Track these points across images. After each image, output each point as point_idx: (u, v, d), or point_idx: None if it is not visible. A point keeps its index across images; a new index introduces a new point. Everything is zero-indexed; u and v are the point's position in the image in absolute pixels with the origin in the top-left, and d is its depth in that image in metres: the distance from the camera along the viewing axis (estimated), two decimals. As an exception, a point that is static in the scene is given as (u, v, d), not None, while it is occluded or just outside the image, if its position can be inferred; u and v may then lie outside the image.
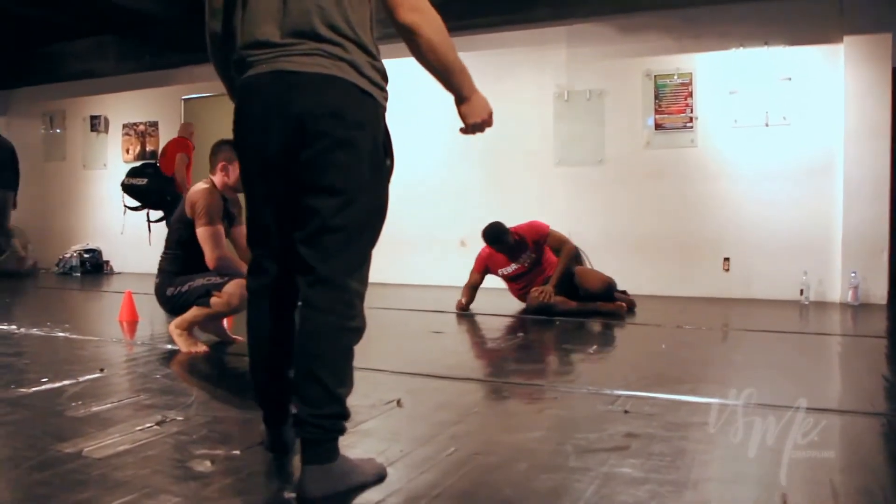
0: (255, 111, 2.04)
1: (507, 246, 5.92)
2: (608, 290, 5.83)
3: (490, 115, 2.21)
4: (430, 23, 2.00)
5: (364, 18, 2.04)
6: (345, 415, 2.03)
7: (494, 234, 5.89)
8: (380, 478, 2.15)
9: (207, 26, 2.22)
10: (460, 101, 2.18)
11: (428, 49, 2.02)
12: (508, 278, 6.17)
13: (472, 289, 6.17)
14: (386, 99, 2.10)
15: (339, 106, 1.96)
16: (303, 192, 2.01)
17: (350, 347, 2.06)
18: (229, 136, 2.30)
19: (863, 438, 2.64)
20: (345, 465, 2.06)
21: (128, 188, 8.43)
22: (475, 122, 2.19)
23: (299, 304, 2.15)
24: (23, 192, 10.21)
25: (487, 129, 2.27)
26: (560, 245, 5.96)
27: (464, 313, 5.93)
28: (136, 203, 8.56)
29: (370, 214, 2.08)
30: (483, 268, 6.17)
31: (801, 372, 3.87)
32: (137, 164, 9.09)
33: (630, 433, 2.60)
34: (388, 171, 2.12)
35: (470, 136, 2.32)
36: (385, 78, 2.09)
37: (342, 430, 2.03)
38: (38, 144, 11.27)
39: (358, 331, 2.06)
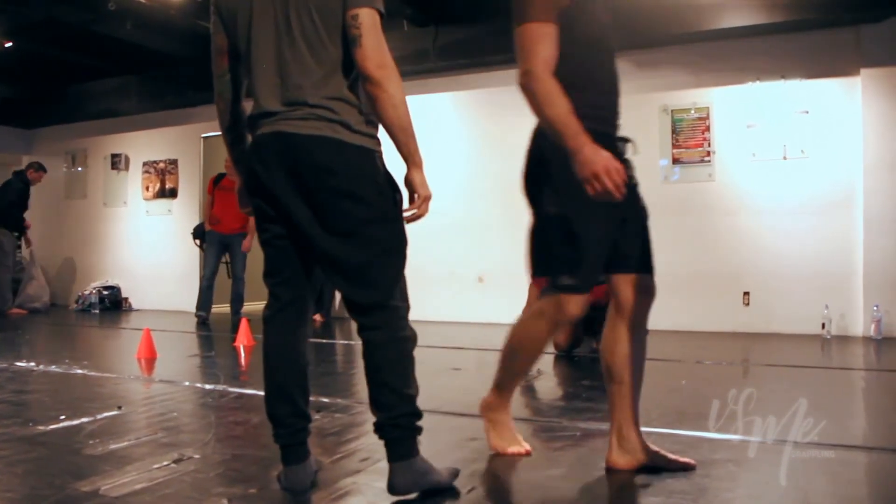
0: (261, 166, 2.26)
1: None
2: None
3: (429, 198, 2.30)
4: (394, 80, 2.15)
5: (350, 78, 2.22)
6: (417, 413, 2.28)
7: None
8: (453, 480, 2.40)
9: (216, 101, 2.45)
10: (414, 165, 2.26)
11: (391, 105, 2.15)
12: None
13: None
14: (379, 144, 2.28)
15: (331, 162, 2.18)
16: (320, 236, 2.21)
17: (408, 354, 2.29)
18: None
19: (890, 476, 2.59)
20: (425, 464, 2.29)
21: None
22: (427, 195, 2.29)
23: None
24: (44, 230, 10.32)
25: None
26: None
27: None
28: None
29: (389, 244, 2.27)
30: None
31: (824, 407, 3.80)
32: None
33: (651, 470, 2.57)
34: (398, 202, 2.29)
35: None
36: (375, 126, 2.26)
37: (416, 428, 2.28)
38: (60, 182, 11.40)
39: (410, 339, 2.30)
